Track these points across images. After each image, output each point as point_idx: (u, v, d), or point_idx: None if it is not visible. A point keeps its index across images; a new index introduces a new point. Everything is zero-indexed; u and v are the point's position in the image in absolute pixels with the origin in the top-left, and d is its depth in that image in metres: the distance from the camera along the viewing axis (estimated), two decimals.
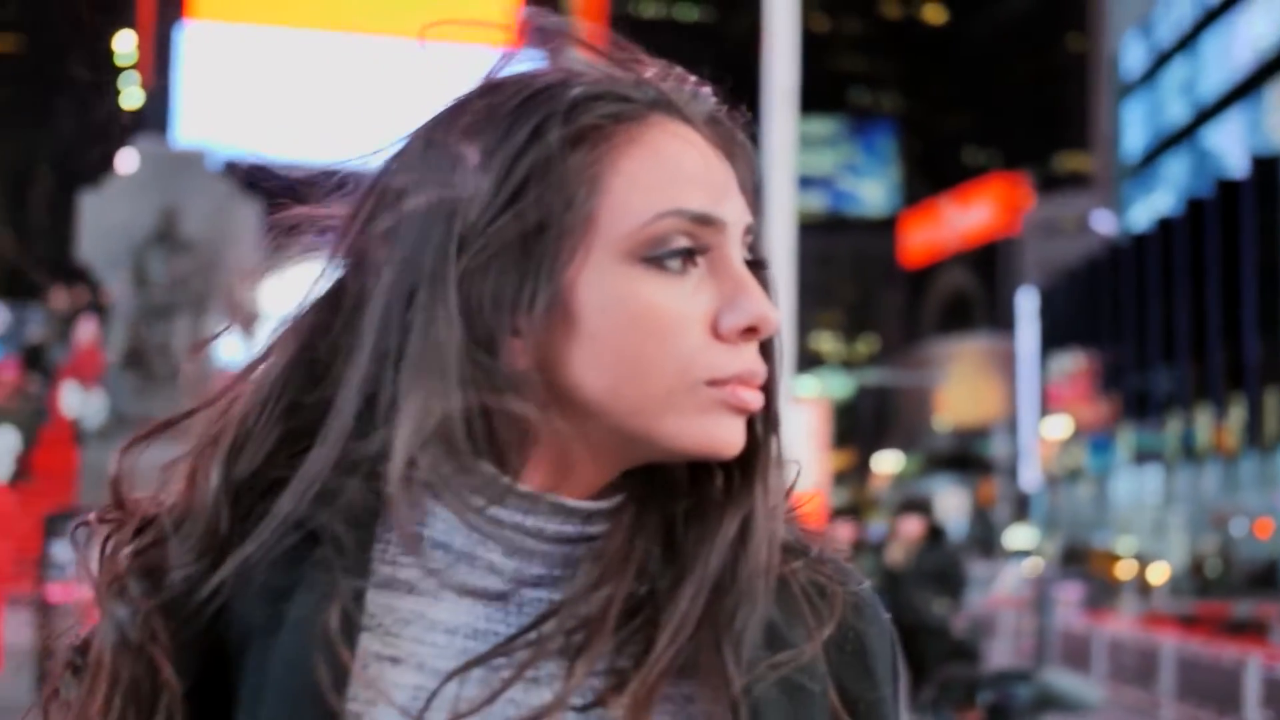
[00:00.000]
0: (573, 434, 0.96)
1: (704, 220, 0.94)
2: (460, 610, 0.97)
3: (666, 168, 0.95)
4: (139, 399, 14.20)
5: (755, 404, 0.95)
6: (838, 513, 16.07)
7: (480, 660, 0.94)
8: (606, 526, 0.98)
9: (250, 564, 0.95)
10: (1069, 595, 19.68)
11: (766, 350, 0.98)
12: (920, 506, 9.96)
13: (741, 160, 1.00)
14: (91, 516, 1.01)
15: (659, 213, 0.93)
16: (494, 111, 0.95)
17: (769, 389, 0.98)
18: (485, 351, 0.93)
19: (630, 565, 0.97)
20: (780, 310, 0.97)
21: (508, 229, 0.93)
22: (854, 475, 69.36)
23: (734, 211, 0.96)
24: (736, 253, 0.96)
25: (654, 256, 0.94)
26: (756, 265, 0.98)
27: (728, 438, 0.94)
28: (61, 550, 6.59)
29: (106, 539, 1.00)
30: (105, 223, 14.51)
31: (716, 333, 0.94)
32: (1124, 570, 25.17)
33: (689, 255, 0.94)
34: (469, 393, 0.93)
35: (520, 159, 0.93)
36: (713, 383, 0.93)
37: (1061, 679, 6.22)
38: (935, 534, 9.34)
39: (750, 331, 0.94)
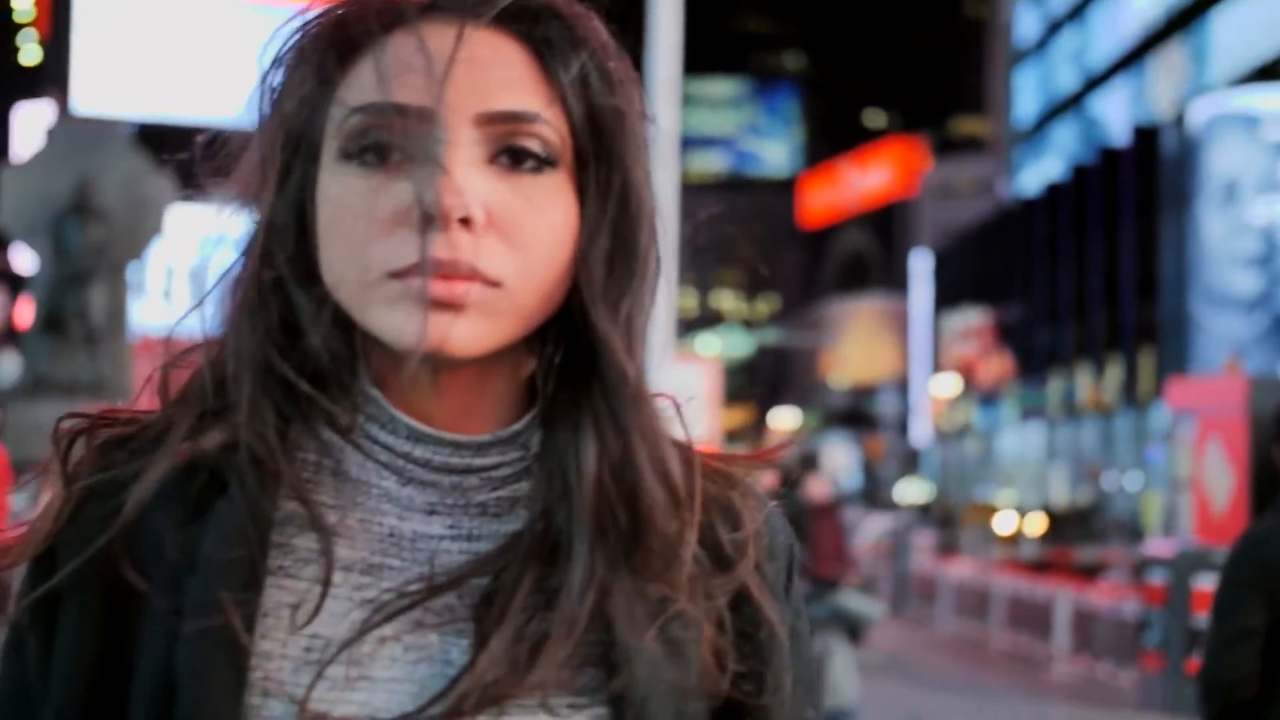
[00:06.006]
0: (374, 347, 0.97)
1: (397, 110, 0.92)
2: (357, 546, 0.96)
3: (375, 68, 0.93)
4: (55, 361, 14.88)
5: (438, 294, 0.90)
6: None
7: (380, 609, 0.93)
8: (502, 458, 0.99)
9: (159, 496, 0.95)
10: (924, 542, 21.04)
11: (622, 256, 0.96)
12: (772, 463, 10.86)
13: (507, 55, 0.95)
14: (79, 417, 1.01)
15: (352, 107, 0.94)
16: (278, 54, 0.99)
17: (589, 296, 0.95)
18: (291, 275, 0.96)
19: (526, 500, 0.98)
20: (490, 202, 0.92)
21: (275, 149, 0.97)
22: (751, 432, 70.67)
23: (452, 101, 0.92)
24: (451, 143, 0.92)
25: (351, 152, 0.93)
26: (519, 155, 0.94)
27: (417, 331, 0.90)
28: (17, 499, 7.40)
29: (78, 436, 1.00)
30: (23, 193, 15.11)
31: (409, 223, 0.91)
32: (1000, 521, 26.44)
33: (386, 148, 0.93)
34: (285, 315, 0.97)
35: (282, 93, 0.98)
36: (393, 275, 0.91)
37: (850, 599, 7.25)
38: (786, 484, 10.31)
39: (426, 219, 0.90)
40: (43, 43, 50.40)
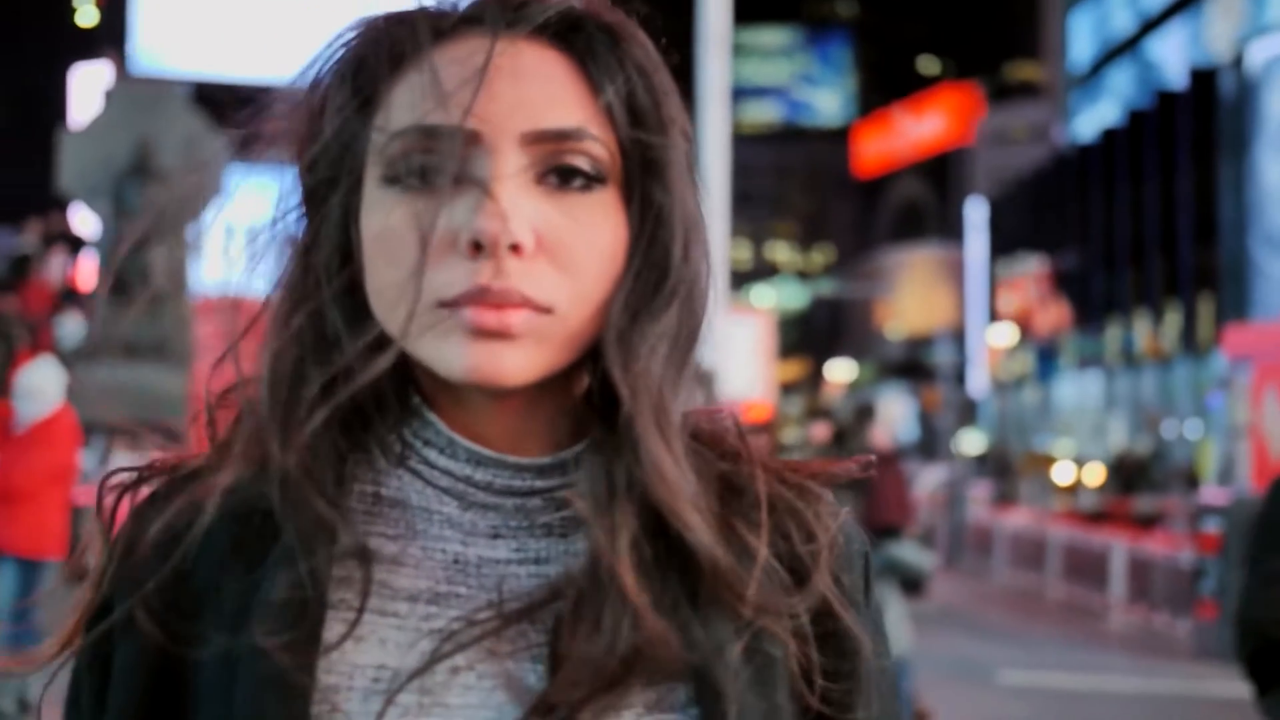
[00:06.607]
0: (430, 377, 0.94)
1: (440, 133, 0.89)
2: (421, 575, 0.94)
3: (415, 90, 0.91)
4: (118, 322, 15.14)
5: (489, 324, 0.88)
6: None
7: (450, 639, 0.91)
8: (564, 479, 0.95)
9: (213, 543, 0.93)
10: (980, 493, 21.05)
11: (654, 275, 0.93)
12: (826, 413, 10.97)
13: (547, 69, 0.92)
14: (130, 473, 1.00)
15: (392, 132, 0.91)
16: (315, 85, 0.97)
17: (614, 315, 0.92)
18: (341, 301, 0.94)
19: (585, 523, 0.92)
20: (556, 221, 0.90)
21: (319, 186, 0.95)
22: (807, 384, 70.64)
23: (498, 121, 0.89)
24: (497, 164, 0.89)
25: (394, 176, 0.91)
26: (567, 173, 0.91)
27: (473, 363, 0.88)
28: (86, 458, 7.75)
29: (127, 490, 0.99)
30: (84, 156, 15.35)
31: (458, 250, 0.89)
32: (1058, 471, 26.35)
33: (430, 172, 0.90)
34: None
35: (321, 115, 0.95)
36: (443, 304, 0.89)
37: (906, 551, 7.31)
38: (840, 438, 10.34)
39: (476, 247, 0.88)
40: (99, 4, 50.80)
